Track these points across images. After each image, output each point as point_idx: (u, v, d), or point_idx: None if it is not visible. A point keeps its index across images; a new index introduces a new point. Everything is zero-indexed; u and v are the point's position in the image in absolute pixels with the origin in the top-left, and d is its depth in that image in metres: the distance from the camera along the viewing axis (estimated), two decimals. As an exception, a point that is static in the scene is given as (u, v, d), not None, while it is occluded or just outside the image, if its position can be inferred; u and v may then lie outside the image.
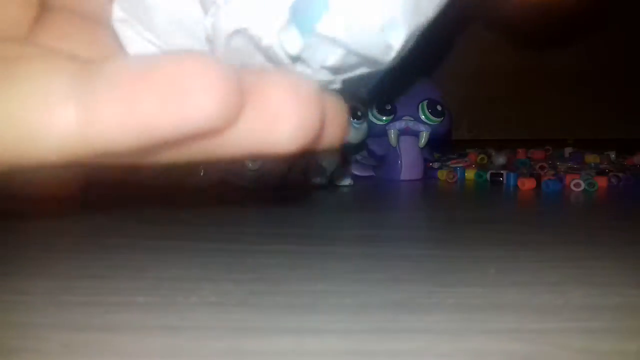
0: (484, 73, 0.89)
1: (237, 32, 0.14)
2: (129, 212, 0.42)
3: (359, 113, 0.55)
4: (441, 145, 0.70)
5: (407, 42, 0.14)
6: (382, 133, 0.57)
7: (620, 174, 0.56)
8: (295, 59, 0.14)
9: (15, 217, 0.40)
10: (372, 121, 0.57)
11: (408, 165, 0.58)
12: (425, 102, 0.57)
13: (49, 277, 0.24)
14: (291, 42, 0.14)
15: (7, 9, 0.16)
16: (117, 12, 0.17)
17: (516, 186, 0.54)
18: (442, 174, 0.60)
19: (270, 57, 0.14)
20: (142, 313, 0.20)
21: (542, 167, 0.61)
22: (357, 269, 0.26)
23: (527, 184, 0.53)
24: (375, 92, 0.55)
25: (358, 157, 0.68)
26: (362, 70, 0.15)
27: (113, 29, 0.17)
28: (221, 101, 0.12)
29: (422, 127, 0.56)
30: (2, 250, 0.30)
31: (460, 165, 0.64)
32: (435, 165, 0.64)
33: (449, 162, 0.65)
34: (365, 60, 0.14)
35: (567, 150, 0.75)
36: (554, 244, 0.31)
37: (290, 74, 0.12)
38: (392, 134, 0.56)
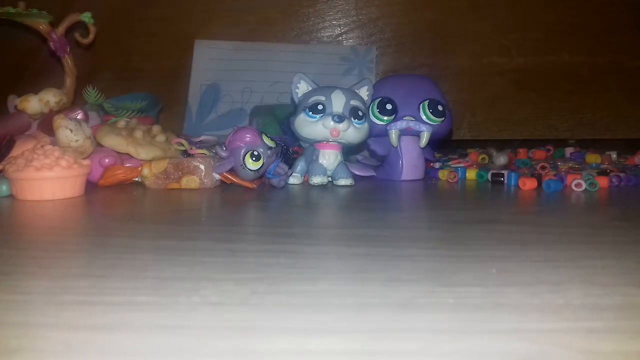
0: (484, 73, 0.89)
1: None
2: (129, 212, 0.42)
3: (360, 113, 0.55)
4: (442, 145, 0.70)
5: None
6: (383, 133, 0.57)
7: (622, 174, 0.56)
8: None
9: (15, 217, 0.40)
10: (373, 121, 0.57)
11: (409, 165, 0.58)
12: (426, 102, 0.57)
13: (49, 277, 0.24)
14: None
15: None
16: None
17: (517, 186, 0.54)
18: (443, 174, 0.60)
19: None
20: (142, 312, 0.20)
21: (543, 167, 0.61)
22: (357, 269, 0.26)
23: (528, 184, 0.52)
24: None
25: (359, 157, 0.68)
26: None
27: None
28: None
29: (423, 127, 0.56)
30: (2, 250, 0.30)
31: (461, 165, 0.64)
32: (437, 165, 0.64)
33: (450, 162, 0.65)
34: None
35: (568, 150, 0.75)
36: (554, 243, 0.31)
37: None
38: (393, 134, 0.56)
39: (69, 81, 0.61)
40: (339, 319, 0.20)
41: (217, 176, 0.52)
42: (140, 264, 0.26)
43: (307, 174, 0.56)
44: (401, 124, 0.56)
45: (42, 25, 0.60)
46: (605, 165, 0.64)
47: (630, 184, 0.55)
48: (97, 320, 0.19)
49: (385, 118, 0.57)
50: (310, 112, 0.54)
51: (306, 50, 0.88)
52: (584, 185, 0.52)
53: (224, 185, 0.53)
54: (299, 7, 0.89)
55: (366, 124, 0.56)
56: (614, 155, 0.70)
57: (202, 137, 0.60)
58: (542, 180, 0.53)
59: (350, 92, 0.56)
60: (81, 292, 0.22)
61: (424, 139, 0.56)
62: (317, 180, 0.54)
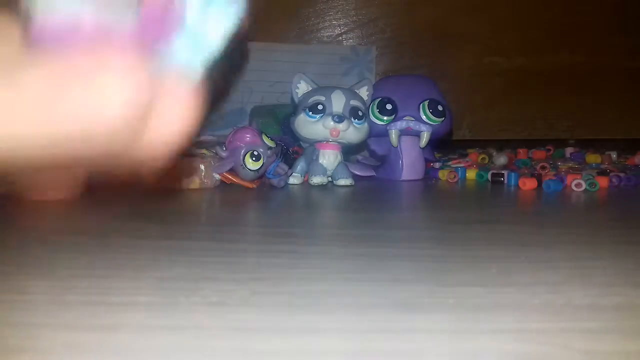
0: (484, 73, 0.89)
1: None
2: (129, 212, 0.42)
3: (360, 113, 0.55)
4: (442, 145, 0.70)
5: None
6: (384, 133, 0.57)
7: (622, 174, 0.56)
8: None
9: (16, 217, 0.40)
10: (373, 121, 0.57)
11: (409, 165, 0.58)
12: (426, 102, 0.57)
13: (49, 277, 0.24)
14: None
15: None
16: None
17: (517, 186, 0.54)
18: (443, 174, 0.60)
19: None
20: (143, 312, 0.20)
21: (543, 167, 0.61)
22: (357, 269, 0.26)
23: (528, 184, 0.53)
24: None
25: (359, 157, 0.68)
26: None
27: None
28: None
29: (423, 127, 0.56)
30: (2, 250, 0.30)
31: (461, 165, 0.64)
32: (437, 165, 0.64)
33: (450, 162, 0.65)
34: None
35: (568, 150, 0.75)
36: (554, 243, 0.31)
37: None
38: (394, 134, 0.56)
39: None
40: (339, 319, 0.20)
41: (217, 176, 0.52)
42: (140, 264, 0.26)
43: (307, 174, 0.56)
44: (401, 124, 0.56)
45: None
46: (605, 165, 0.64)
47: (630, 184, 0.55)
48: (98, 320, 0.20)
49: (385, 118, 0.57)
50: (310, 112, 0.54)
51: (306, 50, 0.88)
52: (584, 185, 0.52)
53: (224, 185, 0.53)
54: (299, 7, 0.89)
55: (366, 124, 0.56)
56: (614, 155, 0.70)
57: (202, 137, 0.60)
58: (542, 180, 0.53)
59: (350, 92, 0.56)
60: (82, 292, 0.22)
61: (424, 139, 0.56)
62: (317, 180, 0.54)
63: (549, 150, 0.76)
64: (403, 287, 0.23)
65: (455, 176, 0.59)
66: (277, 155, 0.52)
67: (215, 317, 0.20)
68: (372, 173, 0.62)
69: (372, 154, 0.62)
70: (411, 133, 0.57)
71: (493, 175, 0.57)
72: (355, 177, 0.57)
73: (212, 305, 0.21)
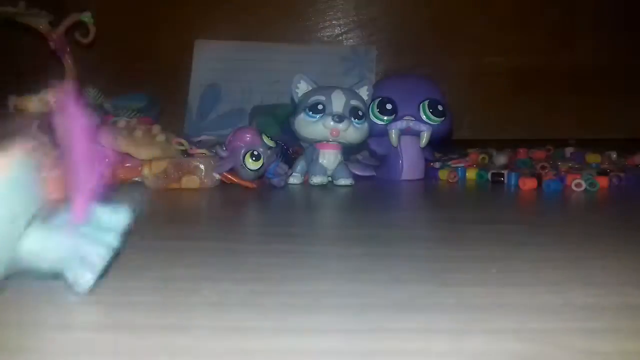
0: (484, 73, 0.89)
1: None
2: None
3: (360, 113, 0.55)
4: (442, 145, 0.70)
5: None
6: (383, 133, 0.57)
7: (622, 174, 0.56)
8: None
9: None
10: (373, 121, 0.57)
11: (409, 165, 0.58)
12: (426, 102, 0.57)
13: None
14: None
15: None
16: None
17: (517, 186, 0.54)
18: (443, 174, 0.60)
19: None
20: (143, 312, 0.20)
21: (543, 167, 0.61)
22: (357, 269, 0.26)
23: (528, 184, 0.52)
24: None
25: (359, 156, 0.68)
26: None
27: None
28: None
29: (423, 127, 0.56)
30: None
31: (461, 165, 0.63)
32: (437, 165, 0.64)
33: (450, 162, 0.65)
34: None
35: (568, 150, 0.75)
36: (554, 243, 0.31)
37: None
38: (393, 134, 0.56)
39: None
40: (339, 319, 0.20)
41: (217, 176, 0.52)
42: (140, 263, 0.26)
43: (307, 174, 0.56)
44: (401, 124, 0.56)
45: (42, 25, 0.60)
46: (605, 165, 0.64)
47: (630, 184, 0.55)
48: (98, 320, 0.20)
49: (385, 118, 0.57)
50: (310, 112, 0.54)
51: (306, 51, 0.88)
52: (584, 185, 0.52)
53: (224, 185, 0.53)
54: (299, 7, 0.89)
55: (366, 124, 0.56)
56: (614, 155, 0.69)
57: (202, 137, 0.60)
58: (542, 180, 0.53)
59: (350, 92, 0.56)
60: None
61: (424, 138, 0.56)
62: (317, 180, 0.54)
63: (549, 150, 0.76)
64: (403, 287, 0.23)
65: (455, 176, 0.59)
66: (277, 155, 0.52)
67: (215, 317, 0.20)
68: (372, 173, 0.62)
69: (372, 154, 0.62)
70: (411, 133, 0.57)
71: (493, 175, 0.57)
72: (355, 177, 0.57)
73: (212, 305, 0.21)
